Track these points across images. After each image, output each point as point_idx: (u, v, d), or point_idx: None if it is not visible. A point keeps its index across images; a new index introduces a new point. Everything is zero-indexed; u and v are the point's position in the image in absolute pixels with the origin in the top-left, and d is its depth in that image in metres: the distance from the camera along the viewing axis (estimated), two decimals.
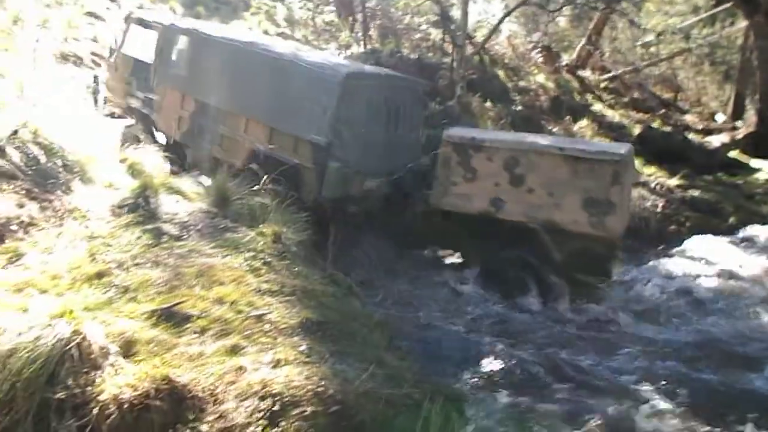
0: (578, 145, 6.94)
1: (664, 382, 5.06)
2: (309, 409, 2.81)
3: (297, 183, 6.42)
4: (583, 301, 6.74)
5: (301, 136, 6.59)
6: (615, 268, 6.86)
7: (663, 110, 17.52)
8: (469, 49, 12.87)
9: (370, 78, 7.52)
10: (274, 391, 2.84)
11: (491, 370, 4.85)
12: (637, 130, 14.24)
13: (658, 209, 10.39)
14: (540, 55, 16.32)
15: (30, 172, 4.24)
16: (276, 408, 2.78)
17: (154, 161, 5.48)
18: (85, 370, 2.76)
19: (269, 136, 6.72)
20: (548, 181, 6.48)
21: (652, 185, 11.42)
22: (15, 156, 4.23)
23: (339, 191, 6.53)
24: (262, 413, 2.73)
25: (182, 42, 7.72)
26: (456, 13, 14.68)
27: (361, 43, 13.04)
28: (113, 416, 2.63)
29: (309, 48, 8.30)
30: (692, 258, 8.68)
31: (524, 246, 6.54)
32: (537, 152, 6.61)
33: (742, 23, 17.77)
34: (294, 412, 2.78)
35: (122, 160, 5.57)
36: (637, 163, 12.31)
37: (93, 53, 13.01)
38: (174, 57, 7.74)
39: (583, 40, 18.81)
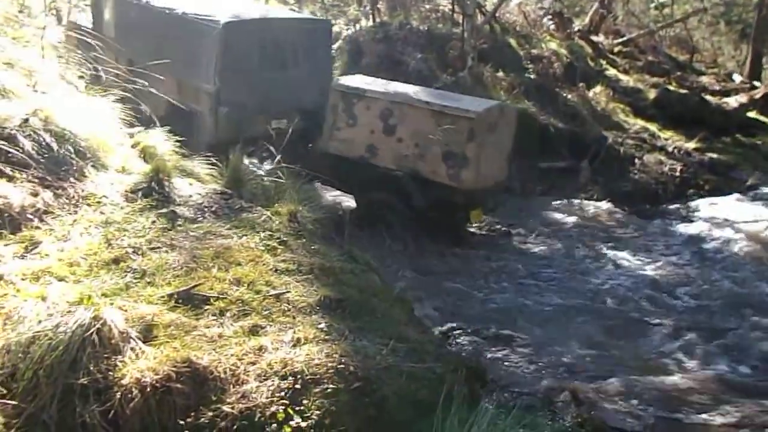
0: (443, 101, 7.26)
1: None
2: (330, 387, 2.80)
3: (199, 129, 7.11)
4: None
5: (198, 86, 7.29)
6: (475, 217, 7.34)
7: (678, 72, 17.15)
8: (480, 19, 12.64)
9: (253, 23, 7.81)
10: (294, 370, 2.83)
11: None
12: (652, 93, 13.99)
13: (677, 173, 10.26)
14: (552, 21, 16.00)
15: (42, 160, 4.22)
16: (297, 386, 2.77)
17: (166, 144, 5.44)
18: (106, 355, 2.77)
19: (178, 89, 7.20)
20: (415, 133, 6.96)
21: (670, 149, 11.27)
22: (27, 144, 4.21)
23: (232, 134, 6.81)
24: (283, 392, 2.72)
25: (109, 6, 8.46)
26: None
27: (370, 16, 12.85)
28: (136, 400, 2.64)
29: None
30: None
31: (393, 191, 6.96)
32: (408, 104, 7.05)
33: None
34: (315, 390, 2.77)
35: (134, 145, 5.55)
36: (654, 127, 12.17)
37: None
38: (105, 21, 8.50)
39: (596, 5, 18.40)
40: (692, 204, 9.48)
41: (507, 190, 9.33)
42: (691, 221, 8.68)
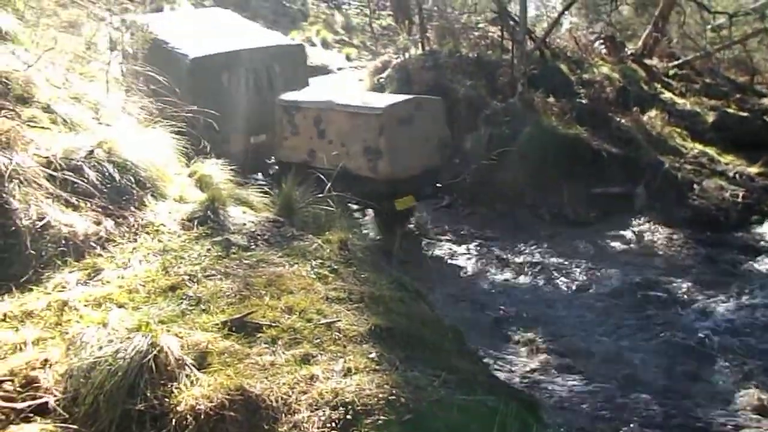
0: (358, 102, 8.00)
1: None
2: (381, 419, 2.77)
3: None
4: None
5: None
6: (402, 204, 7.76)
7: (738, 95, 16.59)
8: (530, 45, 12.61)
9: (220, 56, 8.81)
10: (345, 400, 2.81)
11: None
12: (711, 117, 13.57)
13: (739, 199, 9.87)
14: (603, 46, 15.81)
15: (105, 190, 4.40)
16: (348, 417, 2.75)
17: (221, 173, 5.59)
18: (163, 381, 2.83)
19: None
20: (340, 134, 7.72)
21: (731, 174, 10.87)
22: (91, 175, 4.40)
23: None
24: (334, 423, 2.71)
25: None
26: (514, 8, 14.42)
27: (419, 44, 12.98)
28: (190, 427, 2.67)
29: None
30: None
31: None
32: (331, 109, 7.80)
33: None
34: (366, 422, 2.74)
35: (191, 174, 5.72)
36: (713, 151, 11.77)
37: None
38: None
39: (649, 27, 18.07)
40: (758, 230, 9.07)
41: (559, 216, 9.22)
42: (758, 250, 8.28)
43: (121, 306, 3.39)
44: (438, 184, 8.31)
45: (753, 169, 11.07)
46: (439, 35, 14.18)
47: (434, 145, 8.01)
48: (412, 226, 8.46)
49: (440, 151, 8.14)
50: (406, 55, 12.79)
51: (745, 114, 13.90)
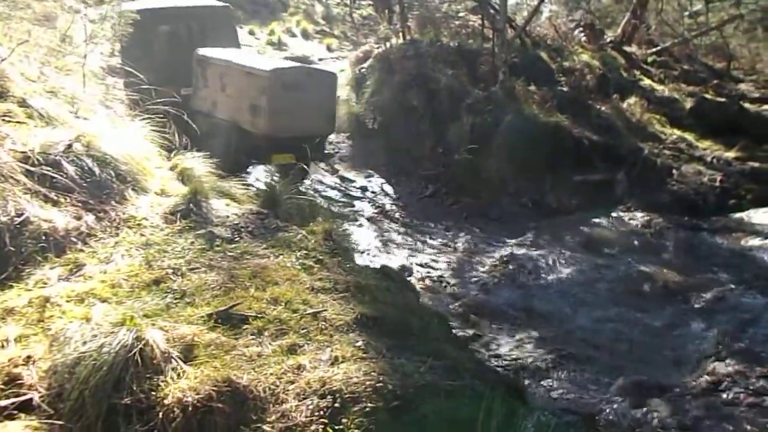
0: (251, 63, 8.61)
1: None
2: (369, 405, 2.79)
3: None
4: None
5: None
6: (278, 159, 8.26)
7: (715, 81, 16.78)
8: (510, 33, 12.62)
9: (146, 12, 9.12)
10: (333, 389, 2.83)
11: None
12: (689, 103, 13.71)
13: (717, 183, 10.00)
14: (583, 33, 15.87)
15: (85, 185, 4.35)
16: (336, 405, 2.76)
17: (203, 166, 5.55)
18: (149, 375, 2.82)
19: None
20: (236, 89, 8.29)
21: (709, 159, 11.01)
22: (70, 169, 4.35)
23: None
24: (322, 411, 2.72)
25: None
26: None
27: (400, 34, 12.94)
28: (178, 420, 2.67)
29: None
30: None
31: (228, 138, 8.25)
32: (231, 67, 8.39)
33: None
34: (354, 409, 2.76)
35: (172, 167, 5.67)
36: (691, 137, 11.92)
37: None
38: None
39: (628, 15, 18.19)
40: (735, 215, 9.21)
41: (542, 204, 9.28)
42: (734, 233, 8.41)
43: (104, 301, 3.37)
44: (326, 151, 9.10)
45: (730, 154, 11.20)
46: (419, 24, 14.13)
47: (323, 114, 8.46)
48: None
49: (328, 121, 8.60)
50: (387, 44, 12.73)
51: (722, 100, 14.04)
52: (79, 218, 4.09)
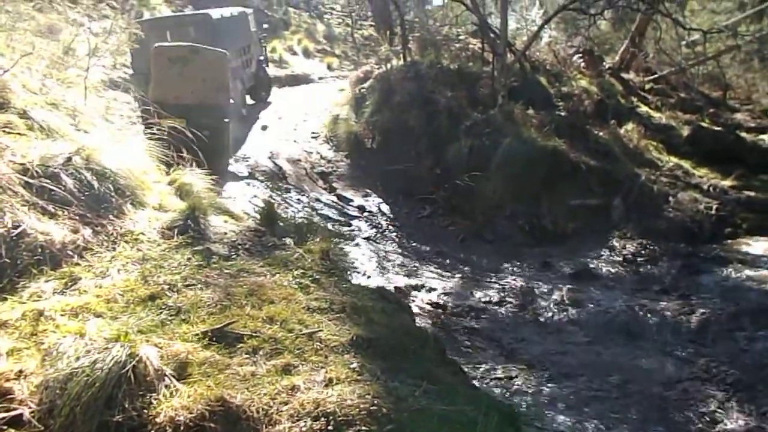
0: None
1: None
2: (363, 429, 2.76)
3: None
4: None
5: None
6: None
7: (712, 109, 16.95)
8: (510, 57, 12.74)
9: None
10: (327, 411, 2.80)
11: None
12: (685, 131, 13.83)
13: (713, 211, 10.04)
14: (582, 59, 16.04)
15: (83, 198, 4.34)
16: (330, 428, 2.74)
17: (202, 182, 5.55)
18: (141, 392, 2.79)
19: None
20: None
21: (705, 187, 11.07)
22: (69, 182, 4.34)
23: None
24: None
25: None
26: (495, 21, 14.59)
27: (401, 55, 13.05)
28: None
29: None
30: None
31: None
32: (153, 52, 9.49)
33: None
34: None
35: (171, 182, 5.67)
36: (688, 164, 12.00)
37: None
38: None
39: (626, 42, 18.40)
40: (730, 243, 9.22)
41: (538, 228, 9.29)
42: (730, 262, 8.41)
43: (98, 316, 3.34)
44: (226, 120, 9.77)
45: (726, 182, 11.28)
46: (420, 46, 14.26)
47: (211, 86, 9.59)
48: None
49: (217, 92, 9.68)
50: (388, 65, 12.83)
51: (718, 128, 14.18)
52: (76, 231, 4.07)
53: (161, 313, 3.46)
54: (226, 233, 4.66)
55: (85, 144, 4.86)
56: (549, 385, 5.31)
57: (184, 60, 9.59)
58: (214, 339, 3.27)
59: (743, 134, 13.80)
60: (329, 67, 19.42)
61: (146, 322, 3.33)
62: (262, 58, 15.01)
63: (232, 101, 10.19)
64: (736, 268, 8.19)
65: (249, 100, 13.96)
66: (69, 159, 4.56)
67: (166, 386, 2.85)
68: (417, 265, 7.94)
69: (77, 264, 3.85)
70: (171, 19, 12.56)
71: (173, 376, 2.92)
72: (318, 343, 3.40)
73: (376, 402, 2.92)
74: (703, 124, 14.35)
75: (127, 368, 2.80)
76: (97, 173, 4.62)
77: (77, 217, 4.19)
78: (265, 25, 17.37)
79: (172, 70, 9.50)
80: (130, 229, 4.35)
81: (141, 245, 4.19)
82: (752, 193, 10.75)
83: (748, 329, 6.40)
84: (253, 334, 3.36)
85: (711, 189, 10.94)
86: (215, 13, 12.37)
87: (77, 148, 4.74)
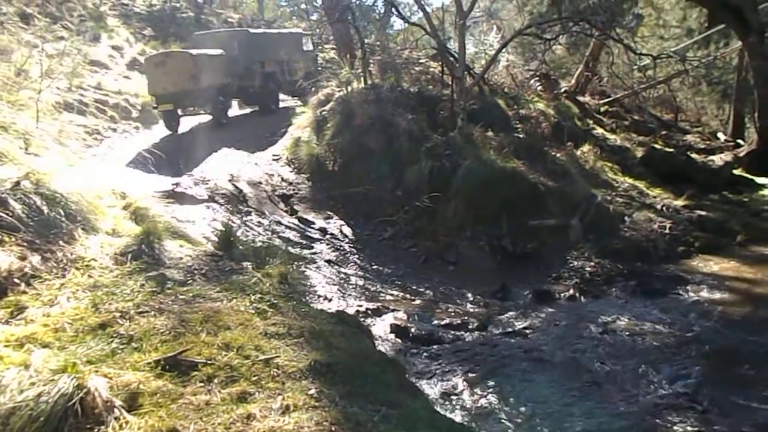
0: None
1: None
2: None
3: None
4: None
5: None
6: (164, 106, 13.60)
7: (664, 131, 17.54)
8: (469, 81, 12.96)
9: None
10: None
11: None
12: (639, 152, 14.26)
13: (666, 230, 10.29)
14: (539, 82, 16.43)
15: (32, 224, 4.21)
16: None
17: (158, 205, 5.46)
18: (89, 426, 2.68)
19: None
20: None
21: (659, 206, 11.38)
22: (17, 208, 4.21)
23: None
24: None
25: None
26: (454, 45, 14.84)
27: (362, 78, 13.14)
28: None
29: None
30: None
31: None
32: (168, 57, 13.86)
33: (736, 43, 17.91)
34: None
35: (126, 206, 5.56)
36: (642, 185, 12.33)
37: (97, 101, 13.21)
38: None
39: (581, 67, 18.96)
40: (684, 262, 9.46)
41: (498, 248, 9.38)
42: (685, 281, 8.61)
43: (45, 346, 3.22)
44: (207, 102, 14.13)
45: (678, 202, 11.62)
46: (381, 69, 14.40)
47: (185, 77, 13.17)
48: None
49: (190, 80, 13.23)
50: (349, 88, 12.90)
51: (670, 150, 14.66)
52: (23, 258, 3.94)
53: (112, 341, 3.35)
54: (182, 258, 4.57)
55: (35, 168, 4.73)
56: (507, 408, 5.29)
57: (163, 63, 13.37)
58: (167, 368, 3.18)
59: (694, 155, 14.30)
60: None
61: (96, 352, 3.23)
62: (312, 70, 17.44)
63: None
64: (689, 288, 8.39)
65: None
66: (18, 183, 4.43)
67: (115, 418, 2.76)
68: (379, 287, 7.90)
69: (24, 292, 3.72)
70: (222, 33, 16.70)
71: (123, 408, 2.83)
72: (275, 370, 3.34)
73: (334, 428, 2.88)
74: (656, 146, 14.83)
75: (74, 401, 2.70)
76: (48, 198, 4.49)
77: (25, 244, 4.06)
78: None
79: (157, 70, 13.29)
80: (81, 255, 4.23)
81: (92, 272, 4.08)
82: (703, 213, 11.09)
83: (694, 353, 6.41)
84: (208, 362, 3.28)
85: (664, 209, 11.25)
86: (255, 30, 16.81)
87: (27, 172, 4.61)
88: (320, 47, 21.25)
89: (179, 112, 13.96)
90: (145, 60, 13.95)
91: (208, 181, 9.96)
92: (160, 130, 13.82)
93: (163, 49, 19.01)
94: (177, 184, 9.35)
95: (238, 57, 14.83)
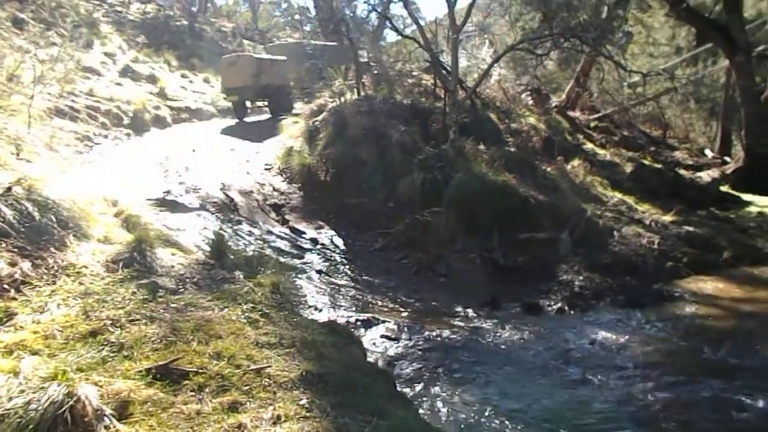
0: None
1: None
2: None
3: None
4: None
5: None
6: (230, 99, 17.35)
7: (653, 147, 17.73)
8: (461, 94, 13.05)
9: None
10: None
11: None
12: (628, 167, 14.38)
13: (655, 246, 10.36)
14: (530, 97, 16.57)
15: (23, 230, 4.19)
16: None
17: (150, 213, 5.44)
18: None
19: None
20: None
21: (647, 222, 11.45)
22: (8, 213, 4.19)
23: None
24: None
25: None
26: (447, 59, 14.96)
27: (355, 90, 13.21)
28: None
29: None
30: None
31: None
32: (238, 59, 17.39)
33: (724, 62, 18.19)
34: None
35: (117, 214, 5.54)
36: (631, 200, 12.43)
37: (89, 107, 13.16)
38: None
39: (572, 82, 19.16)
40: (672, 277, 9.51)
41: (489, 261, 9.41)
42: (673, 297, 8.66)
43: (35, 353, 3.20)
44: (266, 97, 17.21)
45: (667, 218, 11.71)
46: (374, 81, 14.48)
47: (247, 74, 16.17)
48: None
49: (250, 79, 16.17)
50: (342, 99, 12.96)
51: (659, 166, 14.81)
52: (13, 265, 3.91)
53: (103, 349, 3.33)
54: (173, 266, 4.55)
55: (27, 174, 4.71)
56: (497, 421, 5.29)
57: (234, 63, 16.72)
58: (158, 376, 3.17)
59: (682, 172, 14.44)
60: None
61: (86, 360, 3.21)
62: None
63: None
64: (677, 303, 8.45)
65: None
66: (9, 189, 4.41)
67: (105, 427, 2.74)
68: (370, 298, 7.89)
69: (14, 299, 3.69)
70: (286, 43, 21.17)
71: (113, 416, 2.81)
72: (267, 380, 3.33)
73: None
74: (645, 162, 14.97)
75: (63, 409, 2.68)
76: (39, 204, 4.48)
77: (16, 250, 4.03)
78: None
79: (229, 68, 16.58)
80: (72, 262, 4.21)
81: (83, 279, 4.05)
82: (691, 229, 11.17)
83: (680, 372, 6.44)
84: (199, 371, 3.27)
85: (653, 224, 11.32)
86: (308, 42, 19.54)
87: (18, 178, 4.59)
88: None
89: (247, 104, 17.32)
90: (222, 59, 17.31)
91: (200, 189, 9.94)
92: (151, 138, 13.80)
93: (156, 57, 19.12)
94: (168, 192, 9.32)
95: (295, 63, 17.84)
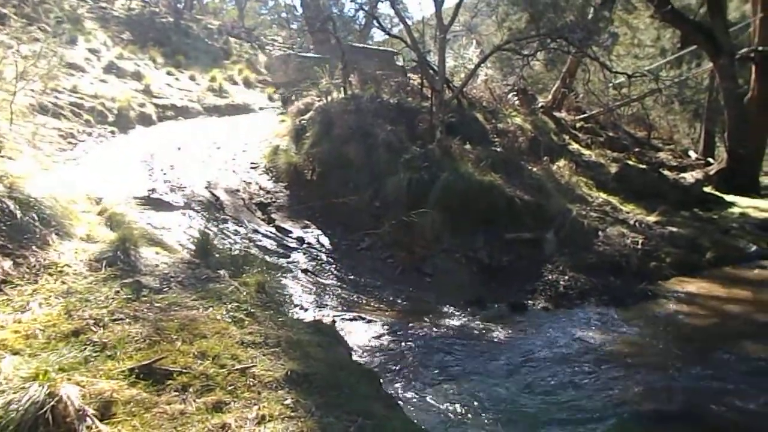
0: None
1: None
2: None
3: None
4: None
5: None
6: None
7: (637, 148, 17.90)
8: (448, 94, 13.07)
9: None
10: None
11: None
12: (613, 168, 14.49)
13: (639, 246, 10.45)
14: (516, 97, 16.64)
15: (4, 228, 4.14)
16: None
17: (133, 212, 5.40)
18: None
19: None
20: None
21: (631, 222, 11.56)
22: None
23: None
24: None
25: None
26: (433, 58, 14.97)
27: (342, 88, 13.18)
28: None
29: None
30: None
31: None
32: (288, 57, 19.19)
33: (708, 64, 18.39)
34: None
35: (101, 212, 5.49)
36: (616, 200, 12.54)
37: (72, 104, 13.02)
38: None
39: (558, 83, 19.27)
40: (656, 277, 9.60)
41: (474, 260, 9.44)
42: (656, 296, 8.76)
43: (16, 353, 3.16)
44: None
45: (651, 218, 11.83)
46: (361, 80, 14.45)
47: (294, 72, 16.76)
48: None
49: (296, 75, 16.47)
50: (329, 98, 12.92)
51: (643, 166, 14.94)
52: None
53: (85, 349, 3.30)
54: (157, 265, 4.52)
55: (8, 171, 4.66)
56: (482, 419, 5.31)
57: (286, 60, 18.62)
58: (141, 376, 3.15)
59: (666, 172, 14.59)
60: (270, 98, 19.38)
61: (68, 359, 3.18)
62: None
63: None
64: (660, 303, 8.53)
65: None
66: None
67: (87, 427, 2.72)
68: (355, 298, 7.89)
69: None
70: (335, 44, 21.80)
71: (96, 417, 2.79)
72: (251, 379, 3.32)
73: None
74: (630, 162, 15.10)
75: (45, 409, 2.66)
76: (21, 202, 4.42)
77: None
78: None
79: (280, 65, 18.58)
80: (54, 261, 4.16)
81: (66, 278, 4.01)
82: (674, 229, 11.29)
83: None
84: (183, 371, 3.25)
85: (637, 224, 11.43)
86: (359, 45, 19.71)
87: None
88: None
89: (293, 98, 17.74)
90: (275, 57, 20.99)
91: (185, 187, 9.88)
92: (136, 135, 13.68)
93: (141, 54, 18.97)
94: (153, 190, 9.25)
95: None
